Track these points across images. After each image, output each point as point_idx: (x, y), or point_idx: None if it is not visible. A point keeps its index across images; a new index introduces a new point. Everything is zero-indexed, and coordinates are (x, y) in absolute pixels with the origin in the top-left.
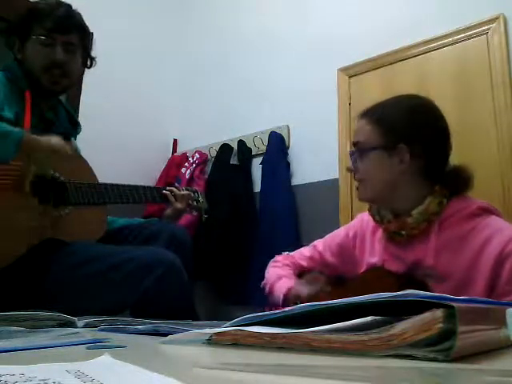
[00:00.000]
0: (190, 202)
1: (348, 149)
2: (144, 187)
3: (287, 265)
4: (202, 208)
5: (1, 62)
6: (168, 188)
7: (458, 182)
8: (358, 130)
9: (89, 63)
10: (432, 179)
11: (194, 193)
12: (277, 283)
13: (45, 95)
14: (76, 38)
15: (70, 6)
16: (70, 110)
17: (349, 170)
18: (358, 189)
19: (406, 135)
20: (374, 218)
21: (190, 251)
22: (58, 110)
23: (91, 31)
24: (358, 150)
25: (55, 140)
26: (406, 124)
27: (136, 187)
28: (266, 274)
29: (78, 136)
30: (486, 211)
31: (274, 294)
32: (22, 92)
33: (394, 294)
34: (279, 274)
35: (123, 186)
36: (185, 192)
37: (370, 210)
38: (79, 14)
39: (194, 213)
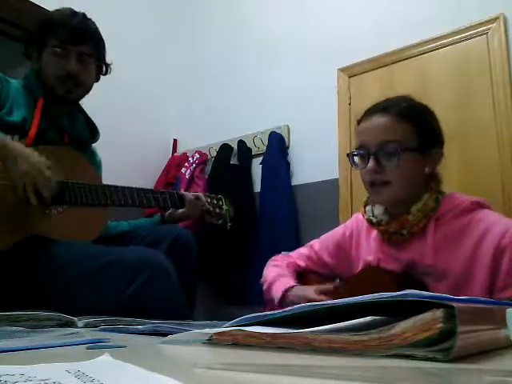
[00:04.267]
0: (208, 206)
1: (349, 148)
2: (155, 191)
3: (286, 265)
4: (227, 216)
5: (19, 68)
6: (182, 192)
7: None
8: (386, 128)
9: (104, 70)
10: (428, 177)
11: (217, 200)
12: (276, 282)
13: (59, 103)
14: (90, 47)
15: (84, 16)
16: (90, 118)
17: (358, 167)
18: (375, 190)
19: (441, 137)
20: (370, 222)
21: (195, 255)
22: (75, 118)
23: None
24: (391, 149)
25: (36, 158)
26: (438, 126)
27: (145, 190)
28: (264, 272)
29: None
30: (479, 205)
31: (272, 293)
32: (35, 99)
33: (394, 294)
34: (278, 273)
35: (131, 188)
36: (201, 197)
37: (364, 215)
38: (93, 22)
39: (220, 221)
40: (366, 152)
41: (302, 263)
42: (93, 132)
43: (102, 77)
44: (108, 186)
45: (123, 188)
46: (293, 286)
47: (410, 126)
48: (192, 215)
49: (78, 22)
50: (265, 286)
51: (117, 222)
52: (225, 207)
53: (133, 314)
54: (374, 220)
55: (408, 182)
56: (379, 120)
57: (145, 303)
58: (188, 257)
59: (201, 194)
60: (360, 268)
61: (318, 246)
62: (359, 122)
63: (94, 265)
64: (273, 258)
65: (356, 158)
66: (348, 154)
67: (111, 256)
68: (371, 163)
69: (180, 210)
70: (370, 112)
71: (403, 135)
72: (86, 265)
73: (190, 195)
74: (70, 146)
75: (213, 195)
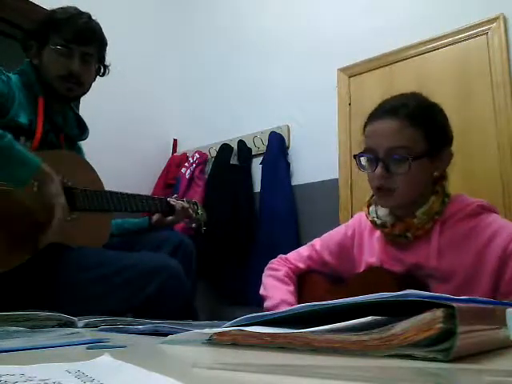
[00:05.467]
0: (191, 212)
1: (349, 148)
2: (149, 197)
3: (286, 274)
4: (201, 220)
5: (12, 66)
6: (173, 200)
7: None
8: (395, 133)
9: (102, 72)
10: (436, 178)
11: (193, 205)
12: (277, 309)
13: (57, 100)
14: (94, 48)
15: (89, 16)
16: (79, 115)
17: (368, 169)
18: (382, 195)
19: (449, 138)
20: (374, 224)
21: (195, 262)
22: (67, 115)
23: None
24: (400, 156)
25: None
26: (447, 124)
27: (141, 196)
28: (264, 281)
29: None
30: (486, 209)
31: None
32: (35, 97)
33: (394, 294)
34: (282, 299)
35: (129, 195)
36: (185, 205)
37: (367, 215)
38: (98, 24)
39: (193, 225)
40: (374, 156)
41: (301, 265)
42: (82, 129)
43: (102, 77)
44: (110, 192)
45: (122, 194)
46: None
47: (420, 129)
48: (178, 221)
49: (84, 21)
50: (265, 305)
51: None
52: (200, 211)
53: (147, 316)
54: (379, 222)
55: (416, 188)
56: (387, 124)
57: (159, 306)
58: (188, 263)
59: (186, 203)
60: (362, 269)
61: (319, 244)
62: (366, 124)
63: (112, 268)
64: (270, 263)
65: (363, 160)
66: (355, 156)
67: (129, 260)
68: (379, 169)
69: (169, 218)
70: (378, 114)
71: (412, 140)
72: (104, 269)
73: (178, 204)
74: (65, 145)
75: (190, 200)
